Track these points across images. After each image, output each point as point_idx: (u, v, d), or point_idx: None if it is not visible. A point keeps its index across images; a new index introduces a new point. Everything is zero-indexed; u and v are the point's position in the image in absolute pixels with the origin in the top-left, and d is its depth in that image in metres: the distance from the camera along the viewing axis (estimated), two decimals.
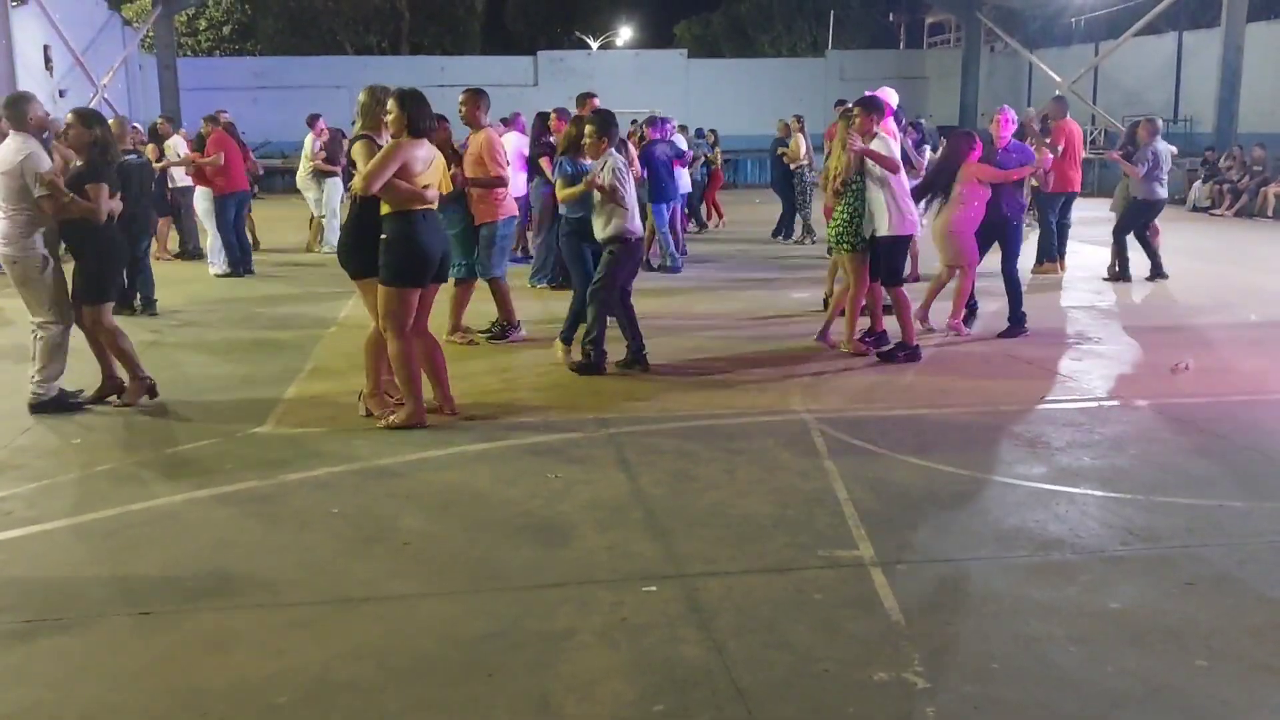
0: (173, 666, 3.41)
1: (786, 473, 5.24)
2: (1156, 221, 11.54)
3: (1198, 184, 20.50)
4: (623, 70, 31.94)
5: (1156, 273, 11.48)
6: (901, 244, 7.69)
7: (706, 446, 5.68)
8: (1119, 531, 4.47)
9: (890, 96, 9.01)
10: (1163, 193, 11.28)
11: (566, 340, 7.58)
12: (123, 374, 6.59)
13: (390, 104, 5.76)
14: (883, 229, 7.55)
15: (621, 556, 4.24)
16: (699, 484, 5.08)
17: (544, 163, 10.92)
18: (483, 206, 7.91)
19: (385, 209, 5.74)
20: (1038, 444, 5.71)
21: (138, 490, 5.03)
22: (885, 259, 7.68)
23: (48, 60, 23.57)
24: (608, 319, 7.30)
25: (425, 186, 5.77)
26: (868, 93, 9.05)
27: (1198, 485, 5.04)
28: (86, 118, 6.63)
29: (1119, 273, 11.46)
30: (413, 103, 5.74)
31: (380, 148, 5.81)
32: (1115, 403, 6.56)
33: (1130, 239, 11.36)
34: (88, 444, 5.80)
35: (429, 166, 5.81)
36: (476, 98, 7.86)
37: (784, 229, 15.80)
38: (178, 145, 12.98)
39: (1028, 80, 29.76)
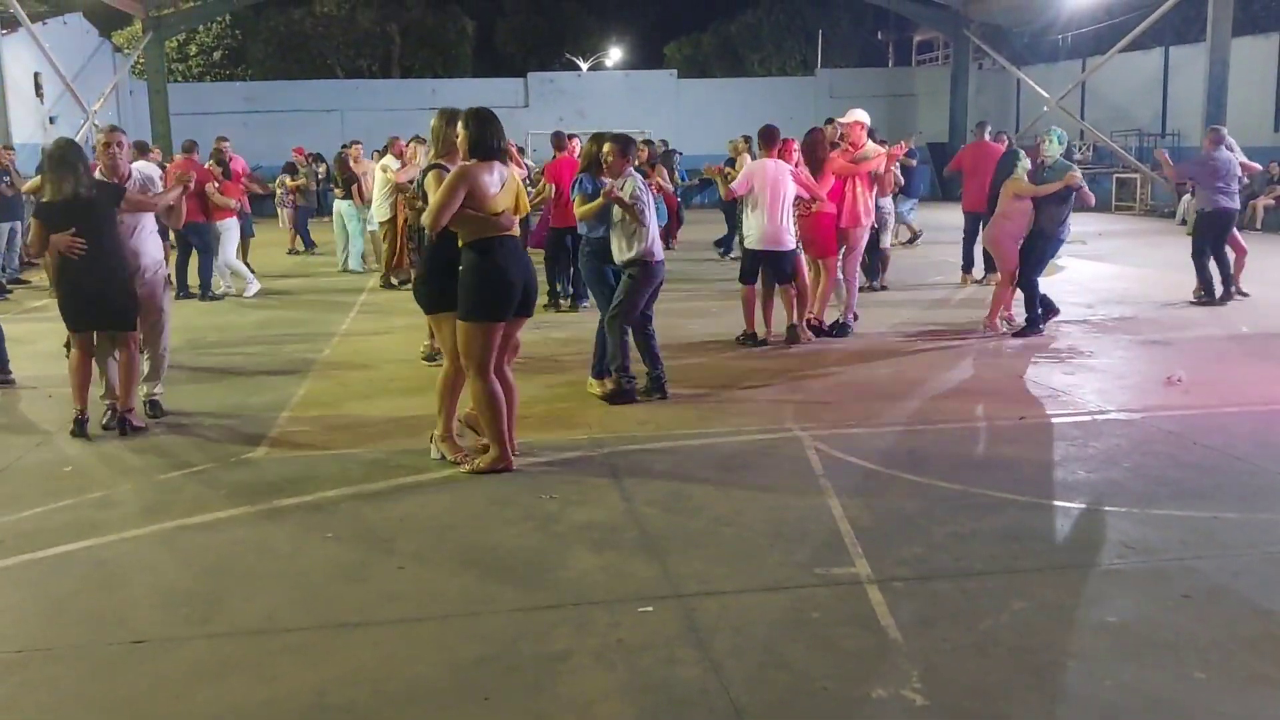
0: (166, 695, 3.39)
1: (781, 491, 5.23)
2: (1240, 238, 11.23)
3: (1187, 197, 20.61)
4: (613, 91, 32.04)
5: (1225, 291, 10.97)
6: (748, 254, 8.87)
7: (701, 466, 5.67)
8: (1114, 545, 4.46)
9: (862, 116, 9.30)
10: (1226, 202, 10.78)
11: (599, 375, 7.26)
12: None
13: (459, 125, 5.42)
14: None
15: (617, 577, 4.22)
16: (694, 503, 5.07)
17: None
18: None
19: (461, 239, 5.38)
20: (1032, 459, 5.71)
21: (130, 517, 5.01)
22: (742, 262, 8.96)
23: (38, 87, 23.63)
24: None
25: (500, 212, 5.34)
26: (854, 114, 9.31)
27: (1192, 498, 5.04)
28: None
29: (1204, 296, 10.84)
30: (479, 122, 5.32)
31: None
32: (1108, 416, 6.57)
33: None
34: (79, 471, 5.78)
35: (502, 189, 5.37)
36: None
37: (726, 245, 15.92)
38: None
39: (1016, 96, 29.92)
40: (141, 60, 28.10)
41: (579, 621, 3.83)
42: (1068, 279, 12.76)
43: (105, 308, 6.41)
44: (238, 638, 3.77)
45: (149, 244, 6.83)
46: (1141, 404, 6.85)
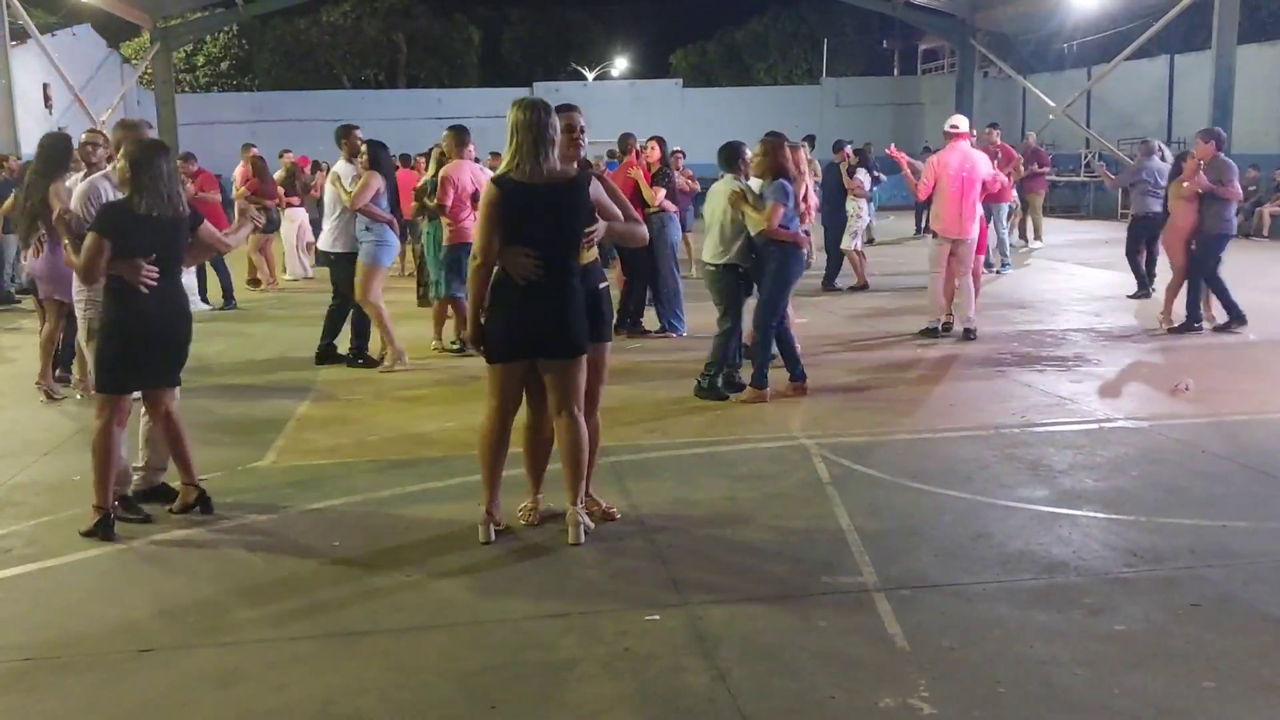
0: (174, 703, 3.39)
1: (788, 499, 5.23)
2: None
3: None
4: (619, 100, 32.08)
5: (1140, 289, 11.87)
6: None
7: (707, 473, 5.67)
8: (1123, 553, 4.45)
9: (960, 123, 9.24)
10: (1156, 206, 11.58)
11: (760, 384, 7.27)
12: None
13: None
14: None
15: (624, 585, 4.22)
16: (700, 511, 5.07)
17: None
18: (446, 231, 8.84)
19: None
20: (1040, 467, 5.70)
21: (137, 526, 5.01)
22: None
23: (47, 98, 23.74)
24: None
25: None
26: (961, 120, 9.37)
27: (1201, 506, 5.03)
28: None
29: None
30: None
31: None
32: (1116, 424, 6.55)
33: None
34: (88, 481, 5.76)
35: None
36: (453, 134, 8.80)
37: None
38: None
39: (1022, 105, 29.91)
40: (149, 71, 28.23)
41: (586, 630, 3.82)
42: (1075, 286, 12.75)
43: (172, 359, 5.08)
44: (245, 646, 3.77)
45: None
46: (1149, 412, 6.83)
